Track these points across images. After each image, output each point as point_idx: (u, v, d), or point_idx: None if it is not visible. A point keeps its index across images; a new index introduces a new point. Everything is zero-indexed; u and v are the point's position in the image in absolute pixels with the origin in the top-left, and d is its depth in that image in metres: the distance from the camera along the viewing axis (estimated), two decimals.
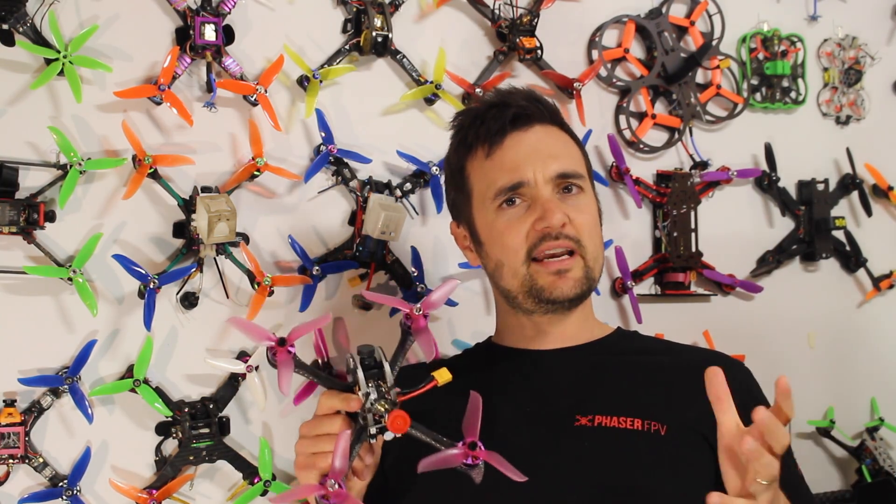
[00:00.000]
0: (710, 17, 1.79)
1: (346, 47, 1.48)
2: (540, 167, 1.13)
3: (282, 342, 0.92)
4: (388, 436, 0.94)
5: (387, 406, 0.93)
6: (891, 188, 1.89)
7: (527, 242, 1.12)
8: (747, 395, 1.10)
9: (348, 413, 0.97)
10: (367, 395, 0.93)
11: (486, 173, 1.17)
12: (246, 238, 1.41)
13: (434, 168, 1.51)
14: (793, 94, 1.86)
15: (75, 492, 1.29)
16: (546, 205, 1.12)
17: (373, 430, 0.93)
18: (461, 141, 1.21)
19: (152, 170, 1.33)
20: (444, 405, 0.97)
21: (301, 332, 0.94)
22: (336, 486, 0.91)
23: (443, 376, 0.96)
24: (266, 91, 1.40)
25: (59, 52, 1.28)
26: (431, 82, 1.52)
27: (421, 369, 0.99)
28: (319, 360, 1.43)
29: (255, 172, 1.40)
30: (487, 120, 1.17)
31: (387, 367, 0.95)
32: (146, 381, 1.32)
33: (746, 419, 1.02)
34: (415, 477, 1.09)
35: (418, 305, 0.98)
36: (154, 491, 1.32)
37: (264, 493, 1.39)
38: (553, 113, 1.21)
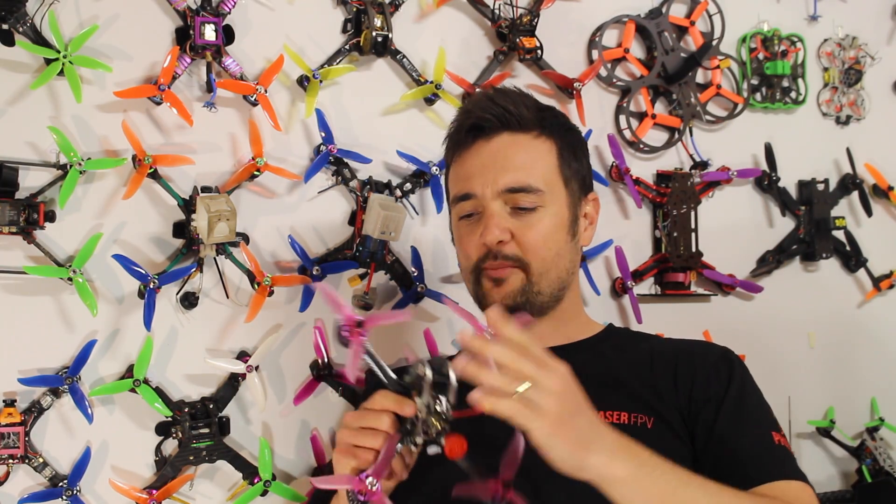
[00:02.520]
0: (710, 17, 1.79)
1: (346, 47, 1.48)
2: (490, 180, 1.13)
3: (359, 324, 0.90)
4: (433, 450, 0.91)
5: (442, 424, 0.90)
6: (891, 188, 1.89)
7: (475, 255, 1.15)
8: (712, 375, 1.11)
9: (397, 414, 0.94)
10: (427, 405, 0.90)
11: (450, 180, 1.20)
12: (246, 238, 1.41)
13: (434, 168, 1.51)
14: (793, 94, 1.86)
15: (75, 492, 1.29)
16: (487, 220, 1.13)
17: (419, 440, 0.91)
18: (449, 140, 1.23)
19: (152, 170, 1.33)
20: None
21: (380, 321, 0.92)
22: (375, 485, 0.89)
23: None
24: (266, 91, 1.40)
25: (59, 52, 1.28)
26: (431, 82, 1.52)
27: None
28: (319, 361, 1.43)
29: (255, 172, 1.40)
30: (456, 128, 1.19)
31: (453, 381, 0.90)
32: (146, 381, 1.32)
33: (706, 395, 1.08)
34: (416, 478, 1.09)
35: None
36: (154, 491, 1.32)
37: (264, 493, 1.39)
38: (524, 120, 1.15)
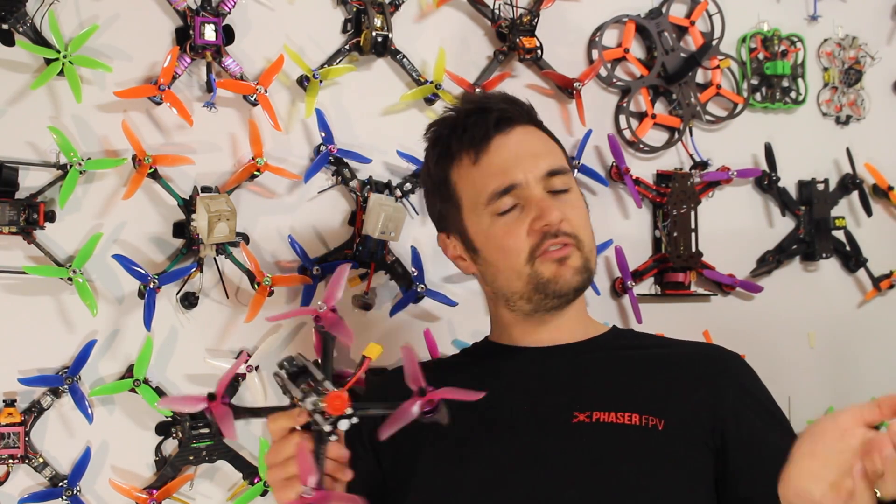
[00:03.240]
0: (710, 16, 1.79)
1: (346, 47, 1.48)
2: (530, 167, 1.14)
3: (211, 397, 0.91)
4: (344, 424, 0.91)
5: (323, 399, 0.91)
6: (891, 188, 1.89)
7: (529, 242, 1.12)
8: (738, 387, 1.12)
9: (303, 427, 0.94)
10: (304, 398, 0.91)
11: (475, 180, 1.16)
12: (246, 238, 1.41)
13: None
14: (793, 94, 1.86)
15: (75, 492, 1.29)
16: (541, 203, 1.12)
17: (327, 428, 0.91)
18: (442, 152, 1.20)
19: (152, 170, 1.33)
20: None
21: (223, 384, 0.93)
22: (311, 491, 0.88)
23: (373, 351, 0.96)
24: (266, 91, 1.40)
25: (59, 52, 1.28)
26: (431, 82, 1.52)
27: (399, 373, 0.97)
28: (320, 360, 1.42)
29: (255, 172, 1.40)
30: (469, 127, 1.17)
31: (311, 366, 0.95)
32: (146, 381, 1.32)
33: (736, 410, 1.06)
34: (415, 478, 1.09)
35: (320, 303, 0.97)
36: (154, 491, 1.32)
37: (264, 494, 1.39)
38: (529, 113, 1.21)
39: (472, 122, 1.17)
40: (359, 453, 1.23)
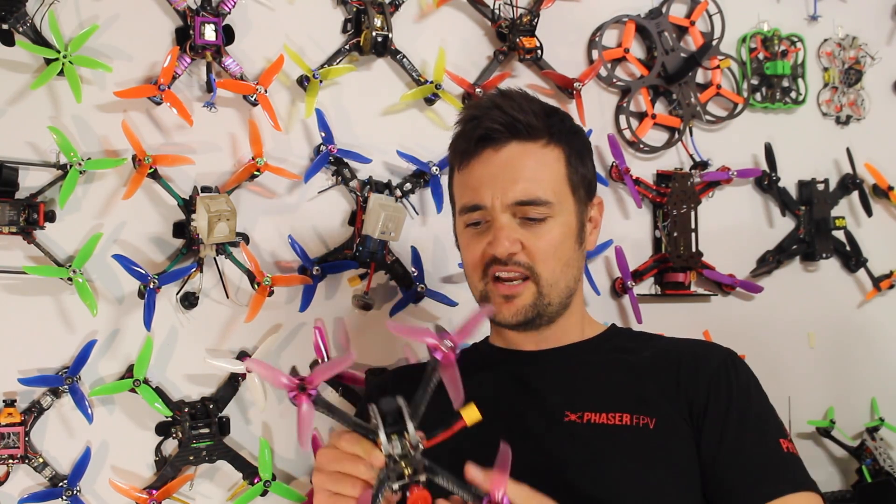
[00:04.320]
0: (710, 17, 1.79)
1: (346, 47, 1.48)
2: (499, 193, 1.12)
3: (301, 388, 0.86)
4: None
5: (410, 470, 0.87)
6: (891, 188, 1.89)
7: (482, 262, 1.14)
8: (714, 380, 1.10)
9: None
10: (389, 455, 0.87)
11: (457, 186, 1.19)
12: (246, 238, 1.41)
13: (434, 168, 1.51)
14: (793, 94, 1.86)
15: (75, 492, 1.29)
16: (497, 232, 1.11)
17: (395, 486, 0.87)
18: (450, 145, 1.21)
19: (152, 170, 1.33)
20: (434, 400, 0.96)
21: (323, 375, 0.88)
22: None
23: (471, 415, 0.89)
24: (266, 91, 1.40)
25: (59, 52, 1.28)
26: (431, 82, 1.52)
27: (417, 369, 0.95)
28: (319, 361, 1.43)
29: (255, 172, 1.40)
30: (463, 134, 1.17)
31: (409, 426, 0.87)
32: (146, 381, 1.32)
33: (711, 403, 1.08)
34: None
35: (447, 341, 0.89)
36: (154, 491, 1.32)
37: (264, 494, 1.39)
38: (532, 129, 1.14)
39: (466, 131, 1.16)
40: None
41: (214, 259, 1.39)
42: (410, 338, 0.85)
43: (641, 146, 1.71)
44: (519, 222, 1.12)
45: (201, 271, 1.37)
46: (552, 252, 1.13)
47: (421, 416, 0.89)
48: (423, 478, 0.87)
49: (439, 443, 0.88)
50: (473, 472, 0.87)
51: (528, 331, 1.16)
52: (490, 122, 1.13)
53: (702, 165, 1.75)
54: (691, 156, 1.76)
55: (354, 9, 1.48)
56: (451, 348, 0.89)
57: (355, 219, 1.48)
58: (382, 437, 0.87)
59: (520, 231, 1.12)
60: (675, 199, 1.70)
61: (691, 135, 1.75)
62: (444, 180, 1.38)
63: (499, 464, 0.86)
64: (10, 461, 1.25)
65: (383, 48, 1.47)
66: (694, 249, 1.71)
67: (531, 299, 1.13)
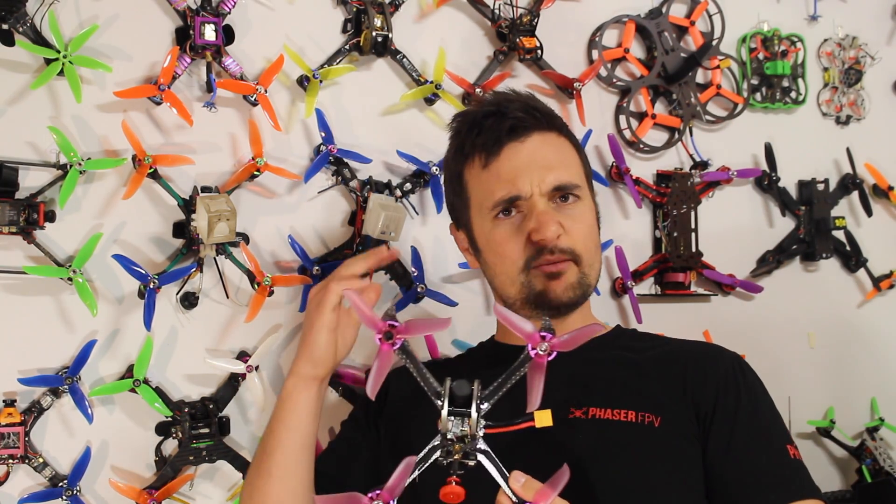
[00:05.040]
0: (710, 16, 1.79)
1: (346, 47, 1.48)
2: (536, 180, 1.14)
3: (388, 336, 0.88)
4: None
5: (459, 455, 0.87)
6: (891, 188, 1.89)
7: (524, 254, 1.14)
8: (723, 384, 1.11)
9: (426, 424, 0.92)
10: (444, 434, 0.88)
11: (483, 184, 1.17)
12: (246, 238, 1.41)
13: (434, 168, 1.51)
14: (793, 94, 1.86)
15: (75, 492, 1.29)
16: (540, 217, 1.12)
17: (441, 460, 0.88)
18: (458, 147, 1.21)
19: (152, 170, 1.33)
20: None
21: (416, 330, 0.89)
22: None
23: (543, 420, 0.90)
24: (266, 91, 1.40)
25: (59, 52, 1.28)
26: (431, 82, 1.52)
27: (441, 366, 0.94)
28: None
29: (255, 172, 1.40)
30: (485, 129, 1.17)
31: (474, 414, 0.88)
32: (146, 381, 1.32)
33: (719, 407, 1.08)
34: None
35: (545, 345, 0.90)
36: (154, 491, 1.32)
37: None
38: (550, 118, 1.20)
39: (488, 125, 1.17)
40: (358, 440, 1.24)
41: (214, 259, 1.39)
42: (513, 328, 0.88)
43: (641, 146, 1.71)
44: (555, 207, 1.15)
45: (201, 271, 1.37)
46: (588, 233, 1.17)
47: (492, 406, 0.90)
48: (472, 463, 0.88)
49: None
50: (517, 480, 0.87)
51: (565, 315, 1.16)
52: (514, 114, 1.16)
53: (702, 165, 1.75)
54: (691, 156, 1.76)
55: (354, 9, 1.48)
56: (547, 351, 0.90)
57: (355, 219, 1.48)
58: (444, 414, 0.88)
59: (558, 215, 1.14)
60: (675, 199, 1.70)
61: (691, 135, 1.75)
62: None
63: (552, 481, 0.86)
64: (10, 461, 1.25)
65: (383, 48, 1.47)
66: (694, 249, 1.71)
67: (575, 278, 1.15)
